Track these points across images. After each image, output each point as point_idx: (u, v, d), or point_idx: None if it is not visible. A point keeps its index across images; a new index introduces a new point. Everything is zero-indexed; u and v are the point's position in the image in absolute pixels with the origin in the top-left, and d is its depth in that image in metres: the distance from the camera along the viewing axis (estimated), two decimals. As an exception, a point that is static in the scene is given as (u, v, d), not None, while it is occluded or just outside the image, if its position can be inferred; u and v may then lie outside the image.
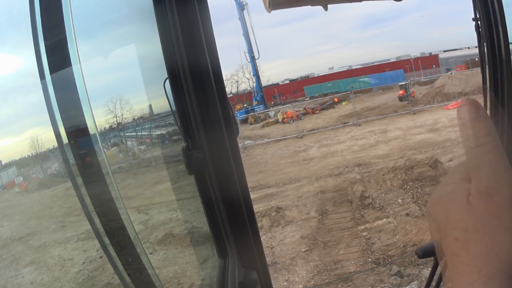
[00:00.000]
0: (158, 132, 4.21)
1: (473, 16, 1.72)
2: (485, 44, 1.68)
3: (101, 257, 3.79)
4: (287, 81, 49.29)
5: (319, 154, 14.10)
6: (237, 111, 31.35)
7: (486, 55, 1.68)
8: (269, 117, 28.50)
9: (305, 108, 28.47)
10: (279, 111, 27.18)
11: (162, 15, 0.99)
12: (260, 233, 2.07)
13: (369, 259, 5.95)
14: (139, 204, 4.62)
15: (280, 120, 25.87)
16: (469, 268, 0.33)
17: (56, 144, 0.95)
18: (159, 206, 4.57)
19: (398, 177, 8.64)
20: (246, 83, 45.85)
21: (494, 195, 0.33)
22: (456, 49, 41.73)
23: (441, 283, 1.34)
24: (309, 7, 2.52)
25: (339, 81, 41.47)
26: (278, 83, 48.39)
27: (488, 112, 1.74)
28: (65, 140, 0.92)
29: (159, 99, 1.38)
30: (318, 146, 15.77)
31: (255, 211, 1.46)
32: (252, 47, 35.64)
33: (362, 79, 40.07)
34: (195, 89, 1.00)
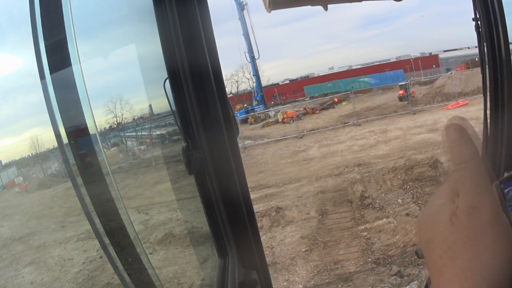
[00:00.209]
0: (158, 132, 4.21)
1: (473, 16, 1.72)
2: (485, 44, 1.68)
3: (101, 257, 3.79)
4: (287, 81, 49.28)
5: (319, 154, 14.09)
6: (237, 111, 31.34)
7: (486, 55, 1.68)
8: (269, 117, 28.49)
9: (305, 108, 28.47)
10: (279, 111, 27.18)
11: (162, 15, 0.99)
12: (260, 233, 2.07)
13: (369, 259, 5.95)
14: (139, 204, 4.62)
15: (280, 120, 25.87)
16: (457, 278, 0.35)
17: (56, 144, 0.95)
18: (159, 206, 4.57)
19: (398, 177, 8.64)
20: (246, 83, 45.90)
21: (479, 211, 0.35)
22: (456, 49, 41.77)
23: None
24: (309, 7, 2.52)
25: (339, 81, 41.47)
26: (278, 83, 48.39)
27: (488, 112, 1.74)
28: (65, 140, 0.92)
29: (159, 99, 1.38)
30: (318, 146, 15.77)
31: (255, 211, 1.46)
32: (252, 47, 35.66)
33: (362, 79, 40.07)
34: (195, 89, 1.00)
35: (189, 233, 3.13)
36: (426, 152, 10.79)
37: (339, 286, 5.47)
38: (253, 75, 38.69)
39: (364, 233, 6.80)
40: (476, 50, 1.86)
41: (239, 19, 34.70)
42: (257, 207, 8.77)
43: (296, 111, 24.71)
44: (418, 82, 28.65)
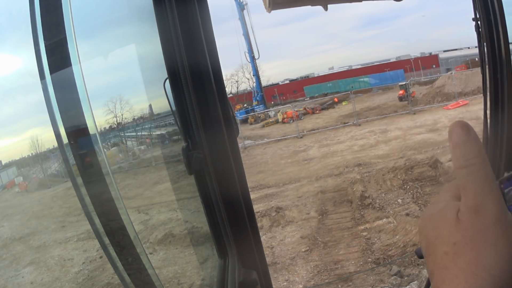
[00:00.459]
0: (158, 132, 4.21)
1: (473, 16, 1.72)
2: (485, 44, 1.67)
3: (101, 257, 3.79)
4: (287, 81, 49.27)
5: (319, 154, 14.09)
6: (237, 111, 31.32)
7: (486, 55, 1.68)
8: (269, 117, 28.48)
9: (305, 108, 28.46)
10: (279, 111, 27.17)
11: (162, 15, 0.99)
12: (260, 233, 2.07)
13: (369, 259, 5.95)
14: (139, 204, 4.62)
15: (280, 120, 25.86)
16: (458, 280, 0.35)
17: (56, 144, 0.95)
18: (159, 206, 4.57)
19: (398, 177, 8.64)
20: (246, 83, 45.89)
21: (482, 212, 0.35)
22: (456, 49, 41.76)
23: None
24: (309, 7, 2.51)
25: (339, 81, 41.46)
26: (278, 83, 48.37)
27: (488, 112, 1.74)
28: (65, 140, 0.92)
29: (159, 99, 1.38)
30: (318, 146, 15.77)
31: (255, 211, 1.46)
32: (252, 47, 35.64)
33: (362, 79, 40.06)
34: (195, 89, 1.00)
35: (189, 233, 3.13)
36: (426, 152, 10.80)
37: (339, 286, 5.47)
38: (253, 75, 38.68)
39: (364, 233, 6.80)
40: (476, 50, 1.86)
41: (239, 19, 34.71)
42: (257, 207, 8.77)
43: (296, 111, 24.70)
44: (418, 82, 28.64)
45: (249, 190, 1.21)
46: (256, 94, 38.37)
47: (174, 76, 1.03)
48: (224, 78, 1.13)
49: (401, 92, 23.31)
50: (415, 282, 4.95)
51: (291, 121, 23.32)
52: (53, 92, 0.85)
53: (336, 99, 29.71)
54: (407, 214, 6.96)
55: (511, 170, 1.66)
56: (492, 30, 1.62)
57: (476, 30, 1.72)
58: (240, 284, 1.07)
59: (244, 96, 44.32)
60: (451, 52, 41.98)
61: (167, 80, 1.07)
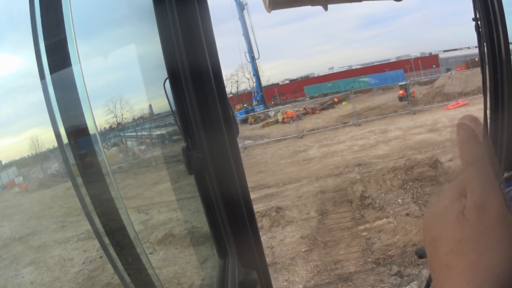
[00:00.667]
0: (158, 132, 4.21)
1: (473, 16, 1.72)
2: (485, 44, 1.67)
3: (101, 257, 3.79)
4: (287, 81, 49.27)
5: (319, 154, 14.09)
6: (237, 111, 31.32)
7: (486, 55, 1.68)
8: (269, 117, 28.48)
9: (305, 108, 28.46)
10: (279, 111, 27.17)
11: (162, 15, 0.99)
12: (260, 233, 2.07)
13: (369, 259, 5.95)
14: (139, 204, 4.62)
15: (280, 120, 25.86)
16: (463, 276, 0.35)
17: (56, 144, 0.95)
18: (159, 206, 4.57)
19: (398, 177, 8.64)
20: (246, 83, 45.89)
21: (487, 210, 0.35)
22: (456, 49, 41.76)
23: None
24: (309, 7, 2.51)
25: (339, 81, 41.45)
26: (278, 83, 48.37)
27: (488, 112, 1.74)
28: (65, 140, 0.92)
29: (159, 99, 1.38)
30: (318, 146, 15.77)
31: (255, 211, 1.46)
32: (252, 47, 35.64)
33: (362, 79, 40.06)
34: (195, 89, 1.00)
35: (189, 233, 3.13)
36: (426, 152, 10.80)
37: (339, 286, 5.47)
38: (253, 75, 38.68)
39: (364, 233, 6.80)
40: (476, 50, 1.85)
41: (239, 19, 34.71)
42: (257, 207, 8.77)
43: (296, 111, 24.71)
44: (418, 82, 28.63)
45: (249, 190, 1.21)
46: (256, 94, 38.37)
47: (174, 76, 1.03)
48: (224, 78, 1.13)
49: (401, 92, 23.31)
50: (415, 282, 4.95)
51: (291, 121, 23.32)
52: (53, 92, 0.85)
53: (336, 99, 29.71)
54: (407, 214, 6.96)
55: (511, 170, 1.66)
56: (492, 30, 1.62)
57: (476, 30, 1.72)
58: (240, 284, 1.07)
59: (244, 96, 44.32)
60: (451, 52, 41.98)
61: (167, 80, 1.07)
